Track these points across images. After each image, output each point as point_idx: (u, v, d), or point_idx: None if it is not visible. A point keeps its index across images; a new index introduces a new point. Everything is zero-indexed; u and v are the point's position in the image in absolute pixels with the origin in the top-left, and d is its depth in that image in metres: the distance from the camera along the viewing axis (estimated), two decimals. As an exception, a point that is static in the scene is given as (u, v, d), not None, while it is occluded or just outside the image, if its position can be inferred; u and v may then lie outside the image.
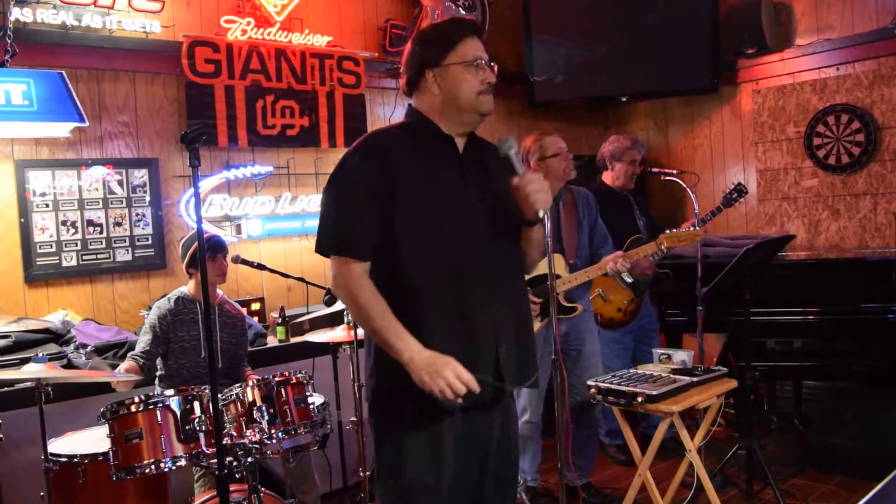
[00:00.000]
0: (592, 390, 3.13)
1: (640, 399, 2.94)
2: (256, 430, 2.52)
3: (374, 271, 1.91)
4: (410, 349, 1.81)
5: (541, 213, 1.93)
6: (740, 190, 3.92)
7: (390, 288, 1.88)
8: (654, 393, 2.93)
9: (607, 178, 4.31)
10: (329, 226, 1.93)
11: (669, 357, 3.36)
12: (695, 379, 3.11)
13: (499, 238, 1.99)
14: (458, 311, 1.89)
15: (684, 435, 3.08)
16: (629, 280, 3.91)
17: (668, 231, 3.57)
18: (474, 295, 1.91)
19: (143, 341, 3.21)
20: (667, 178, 3.91)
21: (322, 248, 1.93)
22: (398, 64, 2.25)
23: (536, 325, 3.49)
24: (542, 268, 3.45)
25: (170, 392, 2.54)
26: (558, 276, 3.48)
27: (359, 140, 1.99)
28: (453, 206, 1.93)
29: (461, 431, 1.93)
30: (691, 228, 3.66)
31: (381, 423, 1.98)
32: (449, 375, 1.77)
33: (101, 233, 3.76)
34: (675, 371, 3.23)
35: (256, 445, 2.51)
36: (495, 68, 2.00)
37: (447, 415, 1.88)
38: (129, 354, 3.20)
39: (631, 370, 3.31)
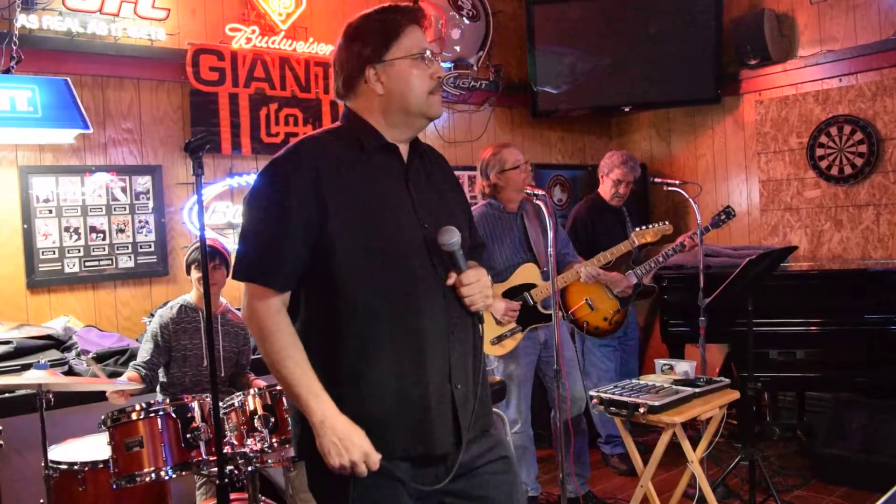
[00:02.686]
0: (594, 400, 3.13)
1: (642, 410, 2.93)
2: (257, 439, 2.51)
3: (305, 305, 1.68)
4: (324, 411, 1.57)
5: (479, 313, 1.75)
6: (728, 212, 4.01)
7: (325, 323, 1.65)
8: (657, 404, 2.92)
9: (601, 189, 4.41)
10: (247, 250, 1.66)
11: (672, 367, 3.36)
12: (697, 390, 3.10)
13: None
14: (407, 346, 1.64)
15: (686, 446, 3.07)
16: (617, 291, 3.98)
17: (638, 229, 3.83)
18: (425, 327, 1.65)
19: (144, 350, 3.20)
20: (669, 188, 3.93)
21: (237, 274, 1.66)
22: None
23: (518, 335, 3.50)
24: (518, 277, 3.52)
25: (170, 400, 2.54)
26: (534, 286, 3.51)
27: (284, 149, 1.70)
28: (399, 225, 1.67)
29: (413, 493, 1.67)
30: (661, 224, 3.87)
31: (317, 481, 1.73)
32: (357, 457, 1.56)
33: (103, 239, 3.77)
34: (677, 382, 3.22)
35: (257, 454, 2.50)
36: (439, 62, 1.74)
37: (395, 472, 1.63)
38: (131, 364, 3.19)
39: (633, 380, 3.31)
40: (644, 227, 3.85)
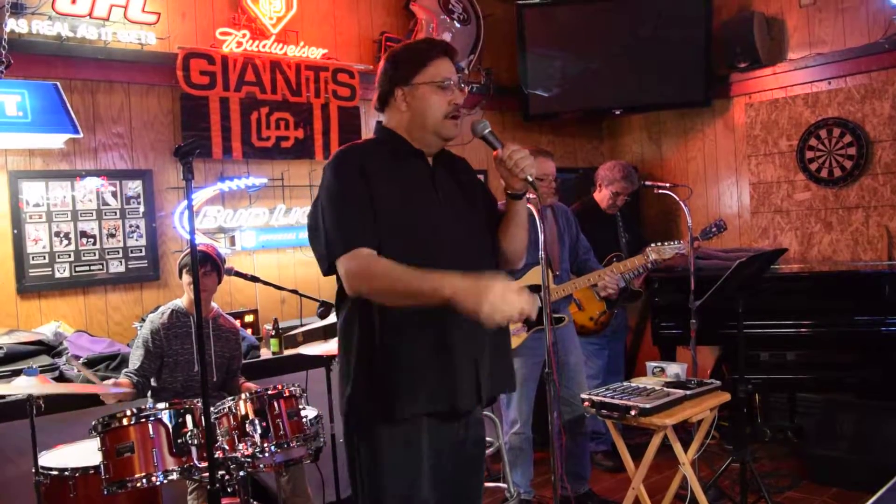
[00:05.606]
0: (586, 403, 3.13)
1: (633, 412, 2.94)
2: (249, 444, 2.50)
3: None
4: (453, 283, 1.73)
5: (530, 178, 1.95)
6: (720, 226, 4.02)
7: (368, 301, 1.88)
8: (648, 406, 2.93)
9: (597, 196, 4.50)
10: (332, 232, 1.89)
11: (663, 370, 3.36)
12: (688, 392, 3.11)
13: (473, 247, 2.01)
14: (437, 322, 1.86)
15: (678, 448, 3.08)
16: (603, 294, 3.98)
17: (654, 244, 3.77)
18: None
19: (136, 357, 3.18)
20: (660, 191, 3.94)
21: (332, 253, 1.87)
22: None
23: (523, 335, 3.52)
24: (529, 278, 3.52)
25: (162, 405, 2.53)
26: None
27: (333, 154, 2.00)
28: (428, 216, 1.94)
29: (434, 441, 1.95)
30: (678, 244, 3.79)
31: (357, 432, 1.95)
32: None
33: (94, 244, 3.75)
34: (668, 384, 3.23)
35: (249, 459, 2.50)
36: (465, 91, 2.03)
37: (423, 422, 1.91)
38: (123, 371, 3.18)
39: (624, 383, 3.32)
40: (661, 244, 3.75)
